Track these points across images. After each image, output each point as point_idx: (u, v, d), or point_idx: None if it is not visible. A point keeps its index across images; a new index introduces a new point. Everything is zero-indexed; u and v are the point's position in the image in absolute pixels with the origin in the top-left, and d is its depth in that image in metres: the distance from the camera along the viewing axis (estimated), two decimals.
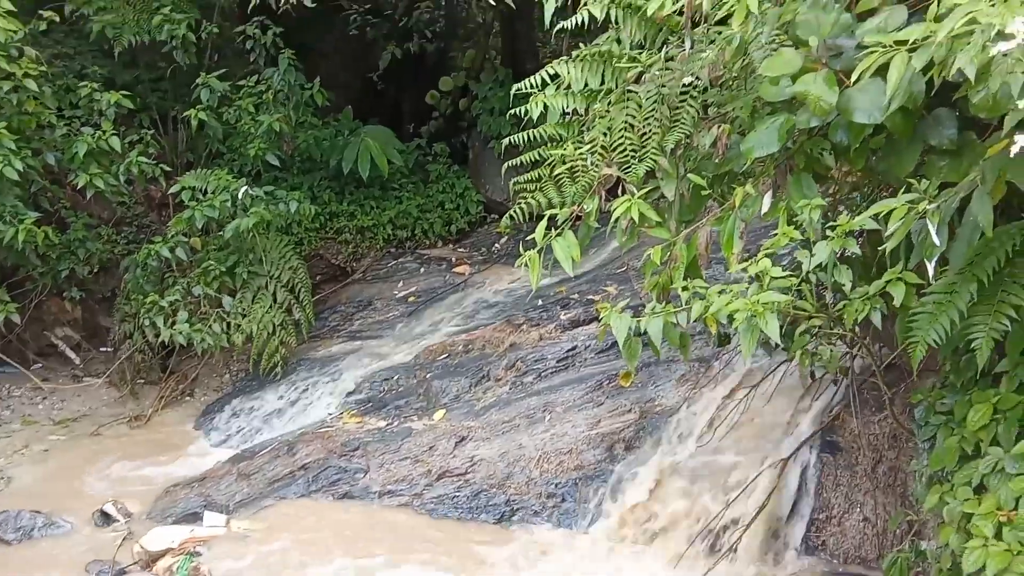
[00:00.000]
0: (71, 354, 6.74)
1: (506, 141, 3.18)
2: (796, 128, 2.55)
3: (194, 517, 4.34)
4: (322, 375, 5.87)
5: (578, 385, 4.85)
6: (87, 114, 5.80)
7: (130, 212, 7.04)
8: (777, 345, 3.43)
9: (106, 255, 6.58)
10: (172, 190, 5.77)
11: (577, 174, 2.90)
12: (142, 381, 6.42)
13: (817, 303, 2.51)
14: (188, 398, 6.37)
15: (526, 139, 3.08)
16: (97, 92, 5.70)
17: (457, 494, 4.36)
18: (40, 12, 5.85)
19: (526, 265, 2.88)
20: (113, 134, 5.54)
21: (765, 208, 2.69)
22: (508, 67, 8.33)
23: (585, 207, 2.83)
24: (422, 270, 7.30)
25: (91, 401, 6.24)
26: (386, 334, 6.35)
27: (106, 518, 4.42)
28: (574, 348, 5.15)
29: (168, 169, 5.97)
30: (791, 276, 2.36)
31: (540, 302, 5.97)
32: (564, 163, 2.92)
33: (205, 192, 5.86)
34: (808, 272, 2.35)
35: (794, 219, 2.50)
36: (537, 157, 3.07)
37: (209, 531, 4.04)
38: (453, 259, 7.53)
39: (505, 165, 3.25)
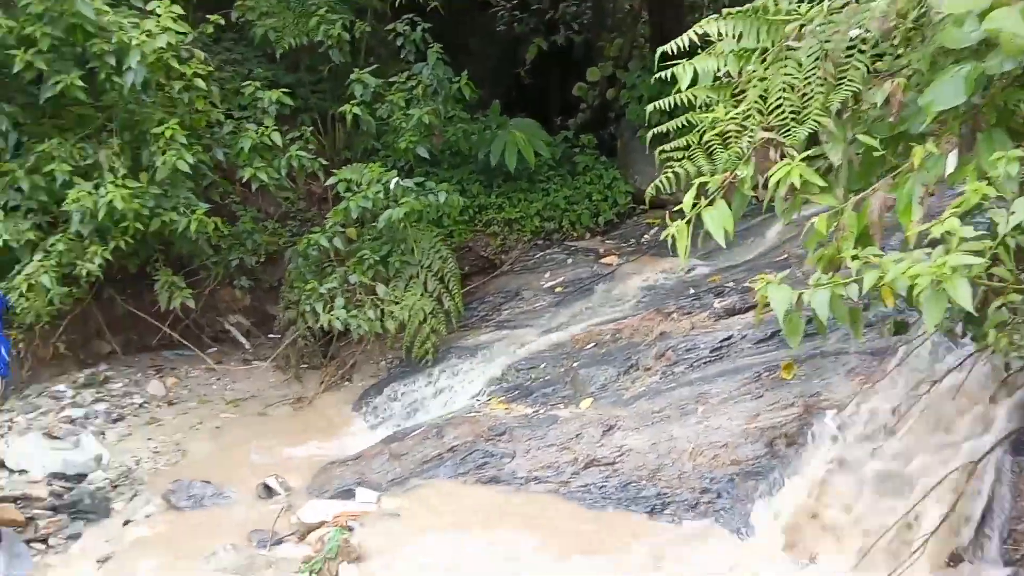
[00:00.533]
0: (242, 339, 7.20)
1: (655, 129, 3.02)
2: (986, 76, 2.25)
3: (348, 494, 4.47)
4: (471, 362, 5.92)
5: (734, 376, 4.60)
6: (251, 112, 6.17)
7: (294, 207, 7.45)
8: (964, 333, 3.07)
9: (272, 247, 6.99)
10: (329, 182, 6.02)
11: (730, 139, 2.71)
12: (305, 366, 6.75)
13: (1017, 271, 2.19)
14: (347, 383, 6.62)
15: (673, 105, 2.91)
16: (260, 91, 6.05)
17: (605, 483, 4.24)
18: (207, 17, 6.29)
19: (673, 243, 2.72)
20: (275, 130, 5.86)
21: (950, 169, 2.39)
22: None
23: (739, 174, 2.62)
24: (569, 261, 7.23)
25: (259, 383, 6.62)
26: (533, 323, 6.33)
27: (268, 491, 4.65)
28: (729, 337, 4.89)
29: (325, 163, 6.25)
30: (985, 237, 2.06)
31: (692, 291, 5.74)
32: (715, 128, 2.73)
33: (360, 185, 6.09)
34: (1006, 235, 2.05)
35: (986, 177, 2.20)
36: (685, 123, 2.90)
37: (361, 507, 4.15)
38: (601, 250, 7.41)
39: (656, 150, 3.09)
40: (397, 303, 5.98)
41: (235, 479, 4.85)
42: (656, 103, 3.01)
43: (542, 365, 5.51)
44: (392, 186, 5.85)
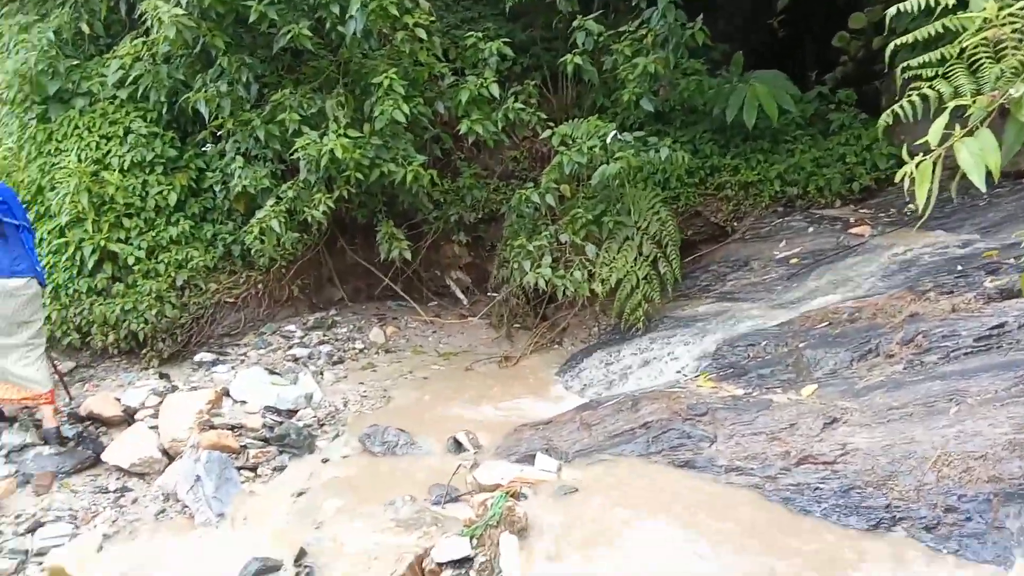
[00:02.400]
0: (460, 295, 7.27)
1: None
2: None
3: (532, 458, 4.23)
4: (684, 335, 5.41)
5: (1003, 373, 3.68)
6: (473, 64, 6.07)
7: (518, 166, 7.32)
8: None
9: (494, 205, 6.93)
10: (544, 135, 5.76)
11: (1005, 48, 1.99)
12: (517, 326, 6.65)
13: None
14: (556, 346, 6.42)
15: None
16: (481, 42, 5.92)
17: (821, 485, 3.58)
18: None
19: (911, 183, 2.07)
20: (493, 81, 5.70)
21: None
22: None
23: (1012, 93, 1.92)
24: (810, 230, 6.38)
25: (472, 339, 6.63)
26: (760, 297, 5.65)
27: (458, 446, 4.55)
28: (1002, 325, 3.93)
29: (545, 118, 6.00)
30: None
31: (960, 267, 4.75)
32: (983, 33, 2.02)
33: (576, 140, 5.77)
34: None
35: None
36: (940, 30, 2.20)
37: (539, 474, 3.88)
38: (851, 219, 6.47)
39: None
40: (607, 265, 5.61)
41: (429, 430, 4.82)
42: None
43: (763, 343, 4.87)
44: (608, 140, 5.46)
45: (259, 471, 4.62)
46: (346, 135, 5.43)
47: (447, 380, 5.74)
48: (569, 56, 5.89)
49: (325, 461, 4.60)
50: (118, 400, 5.28)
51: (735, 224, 7.01)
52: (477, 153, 7.31)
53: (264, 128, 5.66)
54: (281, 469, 4.63)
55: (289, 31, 5.29)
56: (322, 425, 5.02)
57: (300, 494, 4.25)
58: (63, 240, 5.92)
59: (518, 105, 5.73)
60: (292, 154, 5.64)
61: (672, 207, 6.44)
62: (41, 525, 4.23)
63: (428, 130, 6.16)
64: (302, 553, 3.60)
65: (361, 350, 6.29)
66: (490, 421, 4.99)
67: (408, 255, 6.07)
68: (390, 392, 5.50)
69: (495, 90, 5.66)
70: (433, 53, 5.86)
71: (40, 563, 4.05)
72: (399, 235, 6.09)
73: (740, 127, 6.84)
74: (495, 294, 6.95)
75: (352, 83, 5.83)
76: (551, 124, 5.80)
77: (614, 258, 5.66)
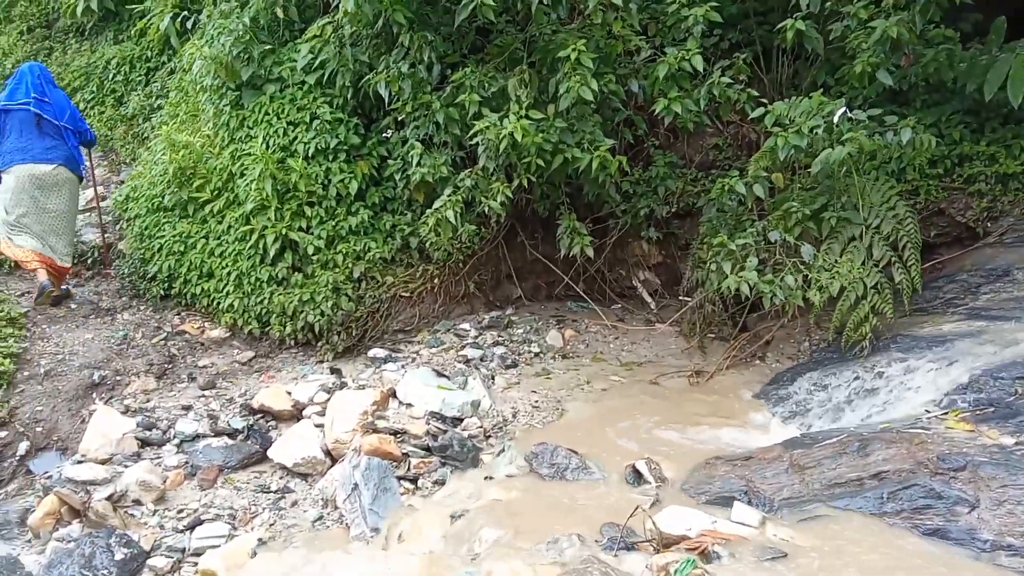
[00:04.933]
0: (648, 298, 6.58)
1: None
2: None
3: (727, 502, 3.50)
4: (923, 359, 4.39)
5: None
6: (674, 39, 5.33)
7: (720, 154, 6.48)
8: None
9: (691, 198, 6.17)
10: (754, 115, 4.92)
11: None
12: (712, 336, 5.88)
13: None
14: (758, 362, 5.57)
15: None
16: (685, 8, 5.16)
17: None
18: None
19: None
20: (697, 53, 4.95)
21: None
22: None
23: None
24: None
25: (658, 348, 5.93)
26: None
27: (637, 476, 3.91)
28: None
29: (756, 95, 5.16)
30: None
31: None
32: None
33: (794, 120, 4.89)
34: None
35: None
36: None
37: (736, 528, 3.15)
38: None
39: None
40: (827, 270, 4.70)
41: (605, 453, 4.21)
42: None
43: None
44: (836, 119, 4.54)
45: (419, 483, 4.24)
46: (527, 116, 4.93)
47: (628, 394, 5.09)
48: (789, 21, 4.99)
49: (488, 479, 4.12)
50: (289, 394, 5.13)
51: (988, 225, 5.75)
52: (673, 139, 6.56)
53: (444, 111, 5.29)
54: (442, 483, 4.23)
55: (472, 1, 4.86)
56: (488, 437, 4.56)
57: (458, 516, 3.80)
58: (248, 227, 5.91)
59: (725, 80, 4.93)
60: (471, 139, 5.23)
61: (909, 202, 5.35)
62: (201, 523, 4.09)
63: (619, 111, 5.50)
64: None
65: (536, 354, 5.79)
66: (676, 448, 4.29)
67: (591, 252, 5.47)
68: (564, 404, 4.94)
69: (698, 63, 4.90)
70: (629, 24, 5.19)
71: (195, 564, 3.89)
72: (582, 230, 5.51)
73: (999, 107, 5.59)
74: (687, 298, 6.20)
75: (538, 61, 5.31)
76: (764, 103, 4.95)
77: (836, 262, 4.74)
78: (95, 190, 8.00)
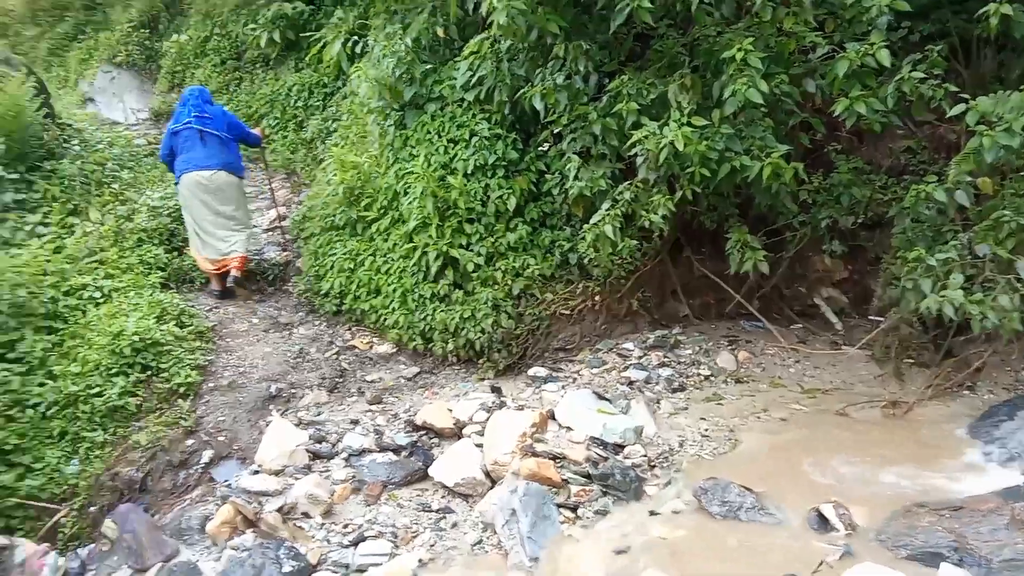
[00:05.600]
0: (832, 318, 6.02)
1: None
2: None
3: (931, 559, 3.04)
4: None
5: None
6: (855, 28, 4.81)
7: (913, 158, 5.84)
8: None
9: (880, 207, 5.58)
10: (953, 112, 4.32)
11: None
12: (910, 361, 5.26)
13: None
14: (966, 392, 4.93)
15: None
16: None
17: None
18: None
19: None
20: (882, 46, 4.43)
21: None
22: None
23: None
24: None
25: (846, 374, 5.39)
26: None
27: (823, 522, 3.50)
28: None
29: (954, 89, 4.54)
30: None
31: None
32: None
33: (1004, 117, 4.25)
34: None
35: None
36: None
37: None
38: None
39: None
40: None
41: (785, 493, 3.82)
42: None
43: None
44: None
45: (579, 512, 4.04)
46: (689, 124, 4.62)
47: (811, 425, 4.63)
48: (993, 6, 4.36)
49: (653, 514, 3.85)
50: (450, 411, 5.11)
51: None
52: (858, 143, 5.98)
53: (601, 122, 5.08)
54: (603, 514, 4.00)
55: (628, 5, 4.62)
56: (652, 467, 4.29)
57: (620, 552, 3.57)
58: (411, 245, 5.99)
59: (917, 74, 4.38)
60: (629, 150, 4.99)
61: None
62: (364, 539, 4.11)
63: (794, 114, 5.05)
64: None
65: (706, 377, 5.43)
66: (869, 490, 3.82)
67: (765, 268, 5.06)
68: (738, 434, 4.56)
69: (884, 58, 4.38)
70: (803, 20, 4.74)
71: None
72: (754, 243, 5.11)
73: None
74: (879, 319, 5.61)
75: (701, 65, 4.99)
76: (965, 99, 4.35)
77: None
78: (277, 211, 8.50)
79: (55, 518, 4.78)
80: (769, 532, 3.51)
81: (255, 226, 7.75)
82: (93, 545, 4.34)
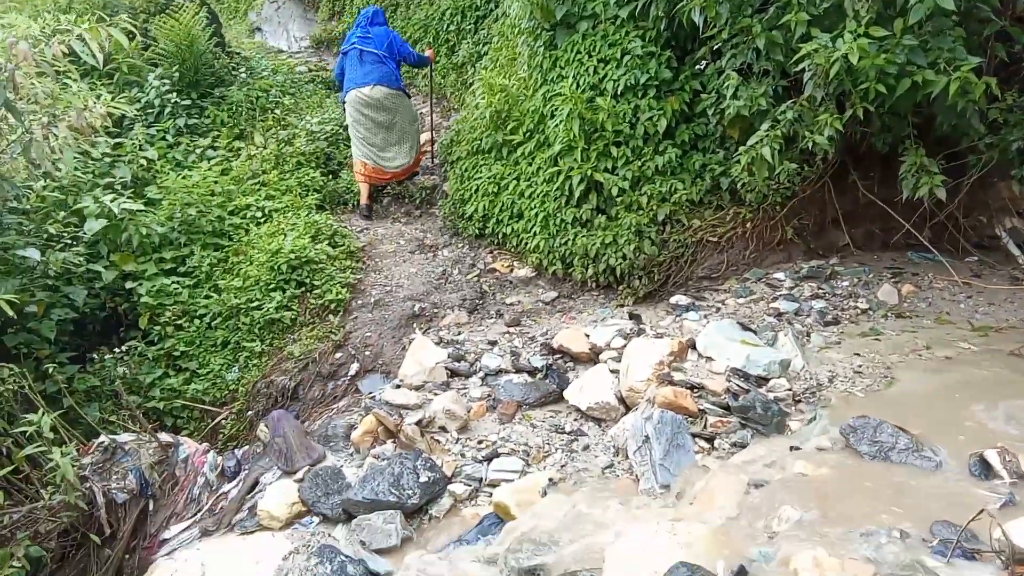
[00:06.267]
0: (1015, 251, 5.42)
1: None
2: None
3: None
4: None
5: None
6: None
7: None
8: None
9: None
10: None
11: None
12: None
13: None
14: None
15: None
16: None
17: None
18: None
19: None
20: None
21: None
22: None
23: None
24: None
25: None
26: None
27: (986, 468, 3.19)
28: None
29: None
30: None
31: None
32: None
33: None
34: None
35: None
36: None
37: None
38: None
39: None
40: None
41: (944, 436, 3.50)
42: None
43: None
44: None
45: (716, 443, 3.91)
46: (867, 34, 4.17)
47: (980, 365, 4.20)
48: None
49: (794, 449, 3.66)
50: (587, 336, 5.07)
51: None
52: None
53: (765, 35, 4.70)
54: (741, 446, 3.85)
55: None
56: (797, 402, 4.06)
57: (757, 486, 3.41)
58: (555, 169, 5.90)
59: None
60: (796, 65, 4.60)
61: None
62: (497, 455, 4.20)
63: (991, 23, 4.45)
64: (742, 572, 2.80)
65: (864, 311, 5.05)
66: None
67: (942, 193, 4.57)
68: (894, 372, 4.22)
69: None
70: None
71: (490, 495, 4.00)
72: (932, 167, 4.61)
73: None
74: None
75: None
76: None
77: None
78: (431, 134, 8.62)
79: (216, 420, 5.23)
80: (924, 476, 3.23)
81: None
82: (248, 447, 4.70)
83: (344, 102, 7.61)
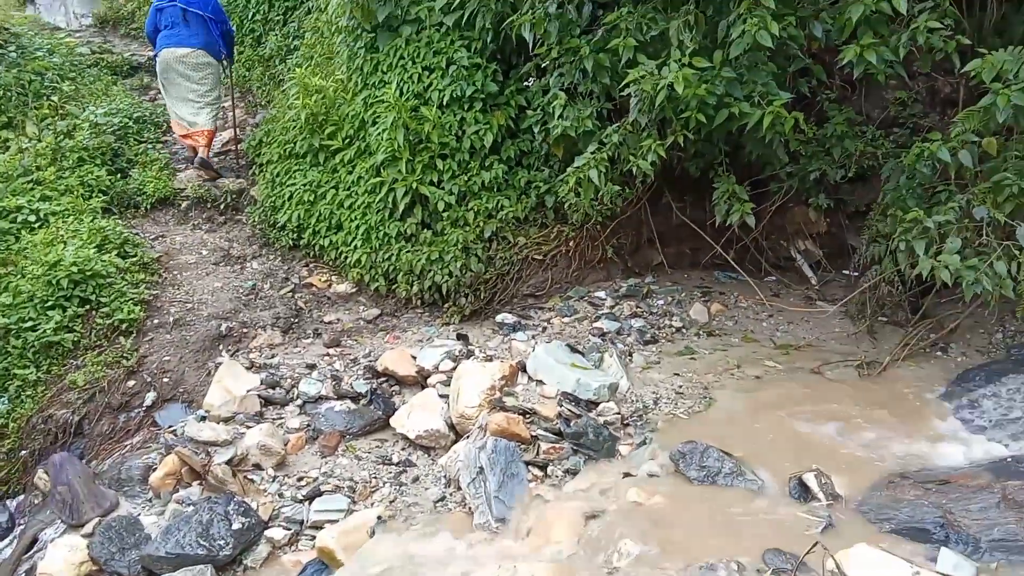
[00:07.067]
0: (808, 272, 5.87)
1: None
2: None
3: (918, 534, 2.94)
4: None
5: None
6: None
7: (905, 111, 5.61)
8: None
9: (867, 160, 5.37)
10: (968, 68, 4.08)
11: None
12: (884, 319, 5.15)
13: None
14: (939, 354, 4.82)
15: None
16: None
17: None
18: None
19: None
20: None
21: None
22: None
23: None
24: None
25: (819, 331, 5.25)
26: None
27: (804, 490, 3.37)
28: None
29: (966, 42, 4.30)
30: None
31: None
32: None
33: (1017, 76, 4.02)
34: None
35: None
36: None
37: None
38: None
39: None
40: None
41: (764, 457, 3.68)
42: None
43: None
44: None
45: (549, 471, 3.87)
46: (691, 65, 4.31)
47: (786, 384, 4.49)
48: None
49: (627, 476, 3.69)
50: (413, 358, 4.86)
51: None
52: (850, 92, 5.73)
53: (593, 57, 4.73)
54: (574, 473, 3.83)
55: None
56: (626, 425, 4.11)
57: (593, 516, 3.39)
58: (378, 179, 5.63)
59: (932, 23, 4.12)
60: (622, 90, 4.66)
61: None
62: (320, 494, 3.89)
63: (797, 59, 4.77)
64: None
65: (678, 329, 5.26)
66: (847, 456, 3.69)
67: (752, 220, 4.84)
68: (712, 392, 4.40)
69: (901, 4, 4.10)
70: None
71: (312, 537, 3.70)
72: (742, 194, 4.88)
73: None
74: (855, 274, 5.48)
75: (703, 1, 4.65)
76: (981, 52, 4.11)
77: None
78: (235, 131, 7.98)
79: None
80: (749, 499, 3.36)
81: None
82: (23, 496, 4.04)
83: (157, 59, 7.34)
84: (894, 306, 5.14)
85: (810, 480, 3.36)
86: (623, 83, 4.56)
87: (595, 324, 5.16)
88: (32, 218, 5.70)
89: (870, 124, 5.54)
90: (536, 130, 5.49)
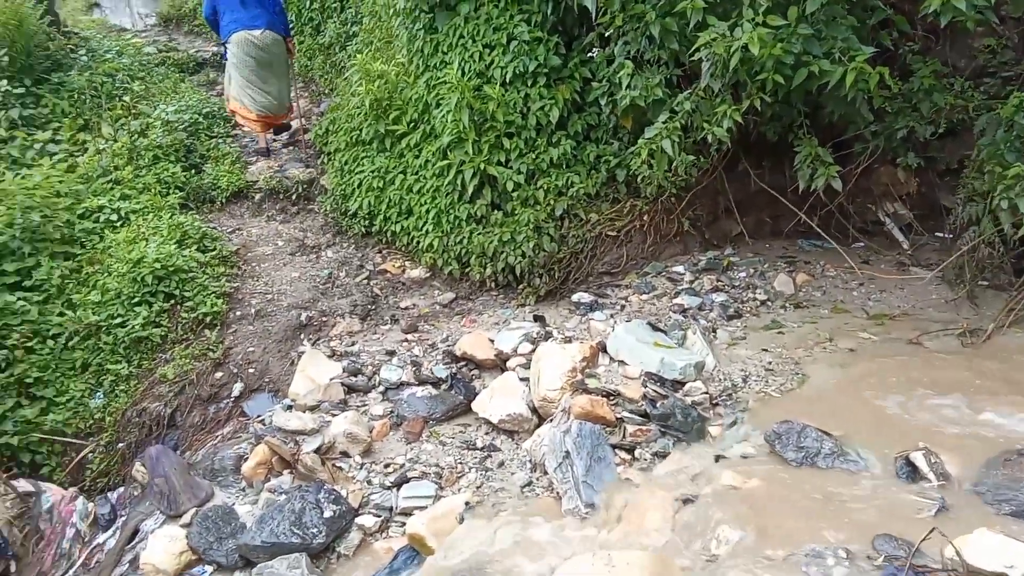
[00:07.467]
0: (899, 236, 5.59)
1: None
2: None
3: None
4: None
5: None
6: None
7: (995, 60, 5.26)
8: None
9: (957, 115, 5.06)
10: None
11: None
12: (984, 283, 4.87)
13: None
14: None
15: None
16: None
17: None
18: None
19: None
20: None
21: None
22: None
23: None
24: None
25: (915, 298, 5.00)
26: None
27: (912, 470, 3.19)
28: None
29: None
30: None
31: None
32: None
33: None
34: None
35: None
36: None
37: None
38: None
39: None
40: None
41: (865, 436, 3.50)
42: None
43: None
44: None
45: (636, 454, 3.77)
46: (765, 24, 4.10)
47: (883, 356, 4.27)
48: None
49: (719, 459, 3.57)
50: (491, 342, 4.82)
51: None
52: (935, 42, 5.40)
53: (659, 22, 4.55)
54: (662, 456, 3.73)
55: None
56: (715, 405, 3.98)
57: (687, 501, 3.29)
58: (445, 162, 5.57)
59: None
60: (692, 54, 4.48)
61: None
62: (407, 480, 3.90)
63: (878, 10, 4.49)
64: None
65: (763, 302, 5.07)
66: (957, 433, 3.48)
67: (839, 184, 4.60)
68: (804, 367, 4.22)
69: None
70: None
71: (402, 524, 3.71)
72: (826, 157, 4.64)
73: None
74: (949, 236, 5.19)
75: None
76: None
77: None
78: (300, 121, 8.04)
79: (81, 454, 4.62)
80: (853, 481, 3.21)
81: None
82: (123, 488, 4.17)
83: (226, 43, 7.40)
84: (995, 269, 4.85)
85: (918, 459, 3.18)
86: (693, 47, 4.38)
87: (675, 300, 5.02)
88: (114, 217, 5.84)
89: (958, 75, 5.22)
90: (603, 102, 5.34)
